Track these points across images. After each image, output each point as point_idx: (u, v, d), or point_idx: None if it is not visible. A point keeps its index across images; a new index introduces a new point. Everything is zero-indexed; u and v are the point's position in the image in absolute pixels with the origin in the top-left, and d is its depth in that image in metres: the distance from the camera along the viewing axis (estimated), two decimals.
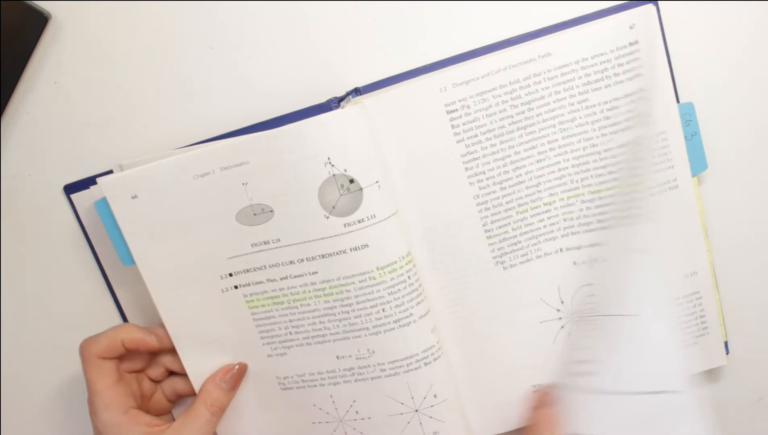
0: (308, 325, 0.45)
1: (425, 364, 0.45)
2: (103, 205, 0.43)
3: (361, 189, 0.42)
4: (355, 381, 0.46)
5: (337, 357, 0.45)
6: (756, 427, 0.50)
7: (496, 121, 0.44)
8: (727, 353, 0.48)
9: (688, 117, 0.45)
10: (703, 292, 0.47)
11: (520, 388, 0.47)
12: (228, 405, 0.46)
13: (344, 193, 0.42)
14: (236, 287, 0.45)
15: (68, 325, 0.49)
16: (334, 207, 0.42)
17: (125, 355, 0.44)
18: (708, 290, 0.47)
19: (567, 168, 0.44)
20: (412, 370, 0.45)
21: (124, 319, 0.48)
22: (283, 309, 0.45)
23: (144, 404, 0.46)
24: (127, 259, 0.44)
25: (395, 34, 0.45)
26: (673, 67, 0.44)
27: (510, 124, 0.44)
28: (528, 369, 0.47)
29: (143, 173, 0.42)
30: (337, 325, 0.45)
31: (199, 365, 0.46)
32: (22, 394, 0.50)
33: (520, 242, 0.45)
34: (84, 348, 0.43)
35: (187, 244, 0.44)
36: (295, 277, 0.44)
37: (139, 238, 0.44)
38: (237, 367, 0.46)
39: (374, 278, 0.43)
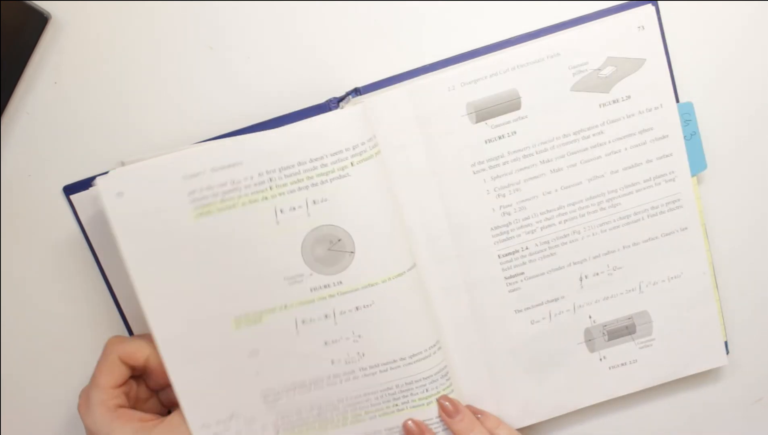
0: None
1: None
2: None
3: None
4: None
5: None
6: (756, 428, 0.50)
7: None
8: (727, 353, 0.48)
9: (688, 117, 0.45)
10: (703, 292, 0.47)
11: None
12: None
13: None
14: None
15: (68, 326, 0.49)
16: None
17: (141, 369, 0.44)
18: (708, 290, 0.47)
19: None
20: None
21: (124, 319, 0.48)
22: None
23: (137, 407, 0.45)
24: None
25: (395, 34, 0.45)
26: (673, 67, 0.44)
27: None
28: None
29: (131, 171, 0.41)
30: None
31: (191, 384, 0.44)
32: (21, 395, 0.50)
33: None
34: (110, 343, 0.44)
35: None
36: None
37: (126, 238, 0.42)
38: None
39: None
